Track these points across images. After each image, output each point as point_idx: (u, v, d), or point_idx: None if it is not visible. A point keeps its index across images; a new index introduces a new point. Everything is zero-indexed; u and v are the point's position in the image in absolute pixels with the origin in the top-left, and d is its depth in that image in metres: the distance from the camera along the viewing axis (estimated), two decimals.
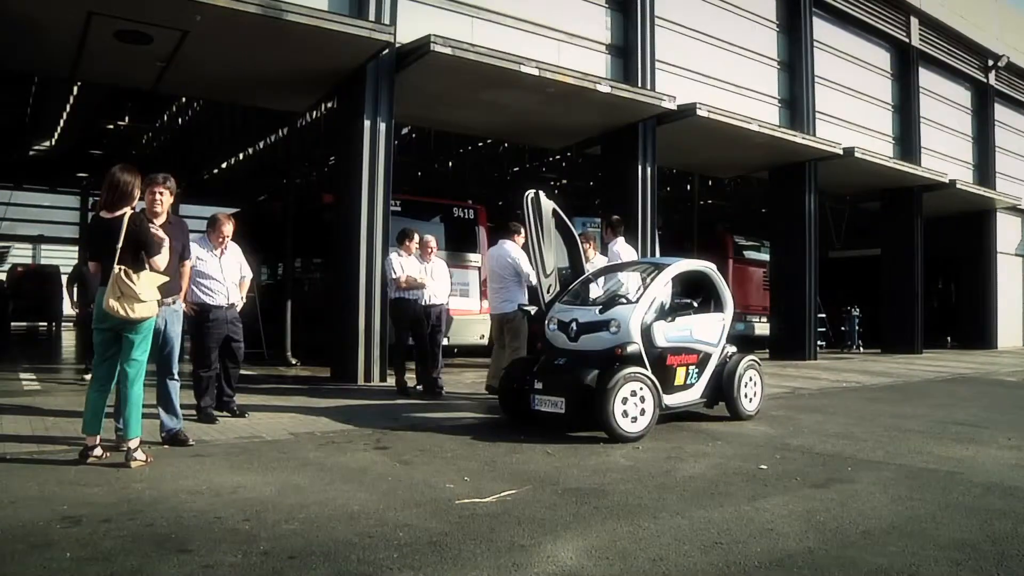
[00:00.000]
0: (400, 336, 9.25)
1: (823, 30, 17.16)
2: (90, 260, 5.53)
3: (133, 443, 5.20)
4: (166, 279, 5.36)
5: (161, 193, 5.75)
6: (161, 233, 5.48)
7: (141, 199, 5.59)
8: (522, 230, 8.61)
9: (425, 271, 9.21)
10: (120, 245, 5.11)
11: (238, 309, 7.23)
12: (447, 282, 9.60)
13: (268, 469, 5.30)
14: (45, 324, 26.61)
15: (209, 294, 6.94)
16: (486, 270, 10.42)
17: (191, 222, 8.07)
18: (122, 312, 5.04)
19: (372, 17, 10.18)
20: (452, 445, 6.30)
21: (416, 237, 9.26)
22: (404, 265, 9.02)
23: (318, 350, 11.73)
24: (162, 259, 5.29)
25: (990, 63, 22.00)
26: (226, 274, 7.08)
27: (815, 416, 8.38)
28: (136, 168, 5.42)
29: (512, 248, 8.97)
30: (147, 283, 5.14)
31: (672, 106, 12.60)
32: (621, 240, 9.47)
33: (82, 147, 23.06)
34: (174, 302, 5.87)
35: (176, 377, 5.94)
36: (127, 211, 5.19)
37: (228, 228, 7.14)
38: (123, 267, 5.07)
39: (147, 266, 5.20)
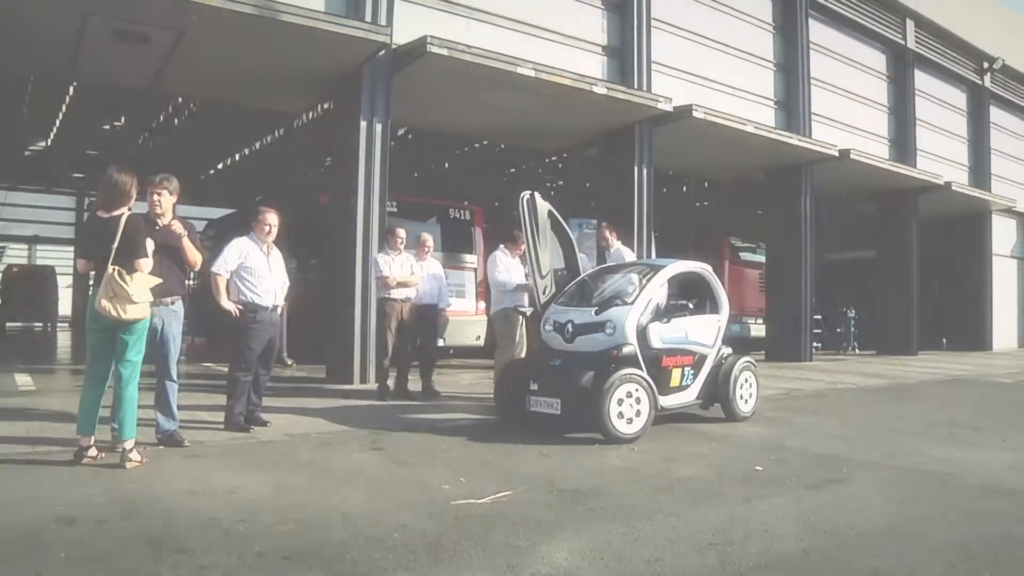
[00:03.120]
0: (384, 336, 9.07)
1: (819, 32, 17.18)
2: (80, 258, 5.50)
3: (128, 444, 5.17)
4: (158, 280, 5.33)
5: (159, 194, 5.74)
6: (179, 229, 5.62)
7: (141, 200, 5.58)
8: (515, 237, 8.59)
9: (418, 269, 9.12)
10: (116, 245, 5.10)
11: (278, 313, 6.92)
12: (440, 283, 9.42)
13: (263, 470, 5.30)
14: (40, 324, 26.56)
15: (257, 293, 6.62)
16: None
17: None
18: (114, 313, 5.02)
19: (368, 18, 10.18)
20: (448, 446, 6.30)
21: (402, 233, 9.09)
22: (392, 263, 8.97)
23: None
24: (147, 262, 5.23)
25: (985, 65, 22.05)
26: (274, 274, 6.77)
27: (810, 417, 8.40)
28: (133, 169, 5.41)
29: (495, 255, 8.97)
30: (140, 284, 5.13)
31: (668, 108, 12.61)
32: (619, 244, 9.53)
33: (78, 147, 23.01)
34: (173, 303, 5.83)
35: (174, 379, 5.89)
36: (124, 211, 5.19)
37: (273, 218, 6.76)
38: (117, 268, 5.06)
39: (142, 265, 5.19)
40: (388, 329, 8.92)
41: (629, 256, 9.47)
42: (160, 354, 5.80)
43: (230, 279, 6.66)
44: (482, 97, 11.71)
